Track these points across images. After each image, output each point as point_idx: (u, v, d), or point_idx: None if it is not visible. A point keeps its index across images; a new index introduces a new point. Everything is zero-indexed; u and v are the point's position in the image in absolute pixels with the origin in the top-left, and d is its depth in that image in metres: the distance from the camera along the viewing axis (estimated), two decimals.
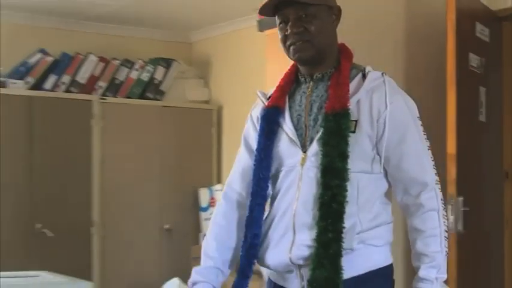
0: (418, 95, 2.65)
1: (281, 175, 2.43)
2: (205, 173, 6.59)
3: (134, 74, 6.47)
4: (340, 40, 2.48)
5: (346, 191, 2.27)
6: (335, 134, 2.31)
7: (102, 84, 6.34)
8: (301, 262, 2.33)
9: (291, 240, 2.34)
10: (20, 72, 6.10)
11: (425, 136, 2.41)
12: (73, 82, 6.24)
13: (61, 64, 6.23)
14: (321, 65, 2.44)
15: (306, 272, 2.31)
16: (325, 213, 2.27)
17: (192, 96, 6.67)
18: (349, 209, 2.28)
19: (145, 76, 6.50)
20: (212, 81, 6.83)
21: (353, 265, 2.28)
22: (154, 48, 6.76)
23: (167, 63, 6.61)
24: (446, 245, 2.37)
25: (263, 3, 2.43)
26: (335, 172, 2.29)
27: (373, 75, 2.39)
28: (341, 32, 2.47)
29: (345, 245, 2.26)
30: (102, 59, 6.38)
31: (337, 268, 2.25)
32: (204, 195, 6.41)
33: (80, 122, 6.10)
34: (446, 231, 2.37)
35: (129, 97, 6.43)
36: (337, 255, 2.25)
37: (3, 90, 5.82)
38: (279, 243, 2.38)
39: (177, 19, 6.58)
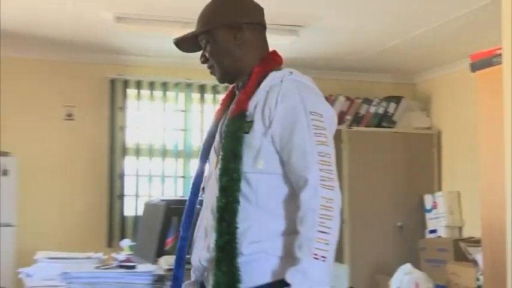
0: None
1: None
2: (428, 182, 6.43)
3: (372, 109, 6.50)
4: None
5: (238, 191, 1.76)
6: (231, 137, 1.82)
7: (349, 117, 6.43)
8: (205, 264, 1.87)
9: (204, 242, 1.88)
10: None
11: (317, 131, 1.78)
12: None
13: None
14: (241, 76, 1.95)
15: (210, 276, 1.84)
16: (221, 216, 1.77)
17: (417, 124, 6.58)
18: (248, 211, 1.77)
19: (380, 110, 6.51)
20: (433, 112, 6.69)
21: (256, 274, 1.75)
22: (387, 88, 6.75)
23: (397, 100, 6.57)
24: (327, 250, 1.67)
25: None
26: (228, 174, 1.78)
27: (274, 74, 1.87)
28: None
29: (241, 248, 1.75)
30: (348, 98, 6.47)
31: (233, 271, 1.73)
32: (428, 200, 6.27)
33: (334, 145, 6.20)
34: (327, 233, 1.68)
35: (368, 126, 6.46)
36: (232, 257, 1.74)
37: None
38: (198, 245, 1.92)
39: (403, 66, 6.54)
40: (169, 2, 4.63)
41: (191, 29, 5.43)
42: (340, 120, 6.37)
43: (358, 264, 5.84)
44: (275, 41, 5.17)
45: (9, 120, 5.88)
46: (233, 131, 1.83)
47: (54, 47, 5.83)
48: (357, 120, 6.46)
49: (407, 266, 5.26)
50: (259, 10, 2.03)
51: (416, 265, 5.43)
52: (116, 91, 6.14)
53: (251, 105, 1.85)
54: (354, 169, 6.22)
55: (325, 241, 1.68)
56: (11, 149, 5.62)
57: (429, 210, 6.23)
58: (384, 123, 6.51)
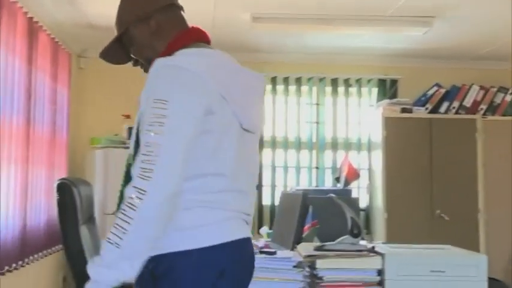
0: None
1: None
2: None
3: (508, 98, 6.16)
4: None
5: (128, 179, 1.67)
6: (132, 133, 1.76)
7: (483, 106, 6.15)
8: None
9: None
10: (421, 101, 6.18)
11: (154, 119, 1.61)
12: (461, 106, 6.15)
13: (451, 93, 6.18)
14: None
15: None
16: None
17: None
18: None
19: None
20: None
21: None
22: None
23: None
24: (122, 239, 1.58)
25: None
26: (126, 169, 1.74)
27: (154, 62, 1.72)
28: None
29: None
30: (482, 87, 6.19)
31: None
32: None
33: (467, 135, 5.96)
34: (127, 222, 1.58)
35: (504, 115, 6.14)
36: None
37: (410, 115, 5.93)
38: None
39: None
40: (302, 1, 4.64)
41: (324, 25, 5.40)
42: (475, 110, 6.12)
43: (493, 254, 5.58)
44: (408, 33, 5.12)
45: None
46: (134, 127, 1.75)
47: None
48: (492, 109, 6.16)
49: None
50: None
51: None
52: None
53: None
54: (489, 158, 5.93)
55: (123, 229, 1.58)
56: None
57: None
58: None
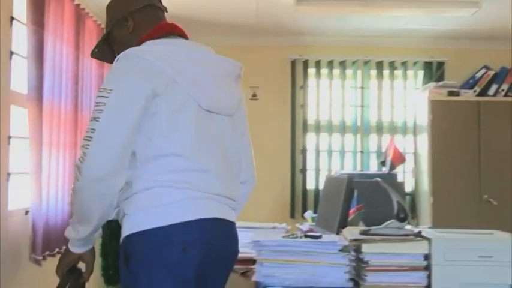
0: None
1: None
2: None
3: None
4: None
5: None
6: None
7: None
8: None
9: None
10: (469, 84, 6.06)
11: (96, 107, 1.78)
12: (510, 88, 6.00)
13: (500, 75, 6.04)
14: None
15: None
16: None
17: None
18: None
19: None
20: None
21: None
22: None
23: None
24: (73, 205, 1.86)
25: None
26: None
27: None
28: None
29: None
30: None
31: None
32: None
33: None
34: (73, 194, 1.84)
35: None
36: None
37: (457, 98, 5.82)
38: None
39: None
40: None
41: (369, 7, 5.34)
42: None
43: None
44: (456, 14, 5.01)
45: None
46: None
47: (239, 33, 6.04)
48: None
49: None
50: None
51: None
52: (296, 71, 6.23)
53: None
54: None
55: (72, 199, 1.83)
56: None
57: None
58: None
